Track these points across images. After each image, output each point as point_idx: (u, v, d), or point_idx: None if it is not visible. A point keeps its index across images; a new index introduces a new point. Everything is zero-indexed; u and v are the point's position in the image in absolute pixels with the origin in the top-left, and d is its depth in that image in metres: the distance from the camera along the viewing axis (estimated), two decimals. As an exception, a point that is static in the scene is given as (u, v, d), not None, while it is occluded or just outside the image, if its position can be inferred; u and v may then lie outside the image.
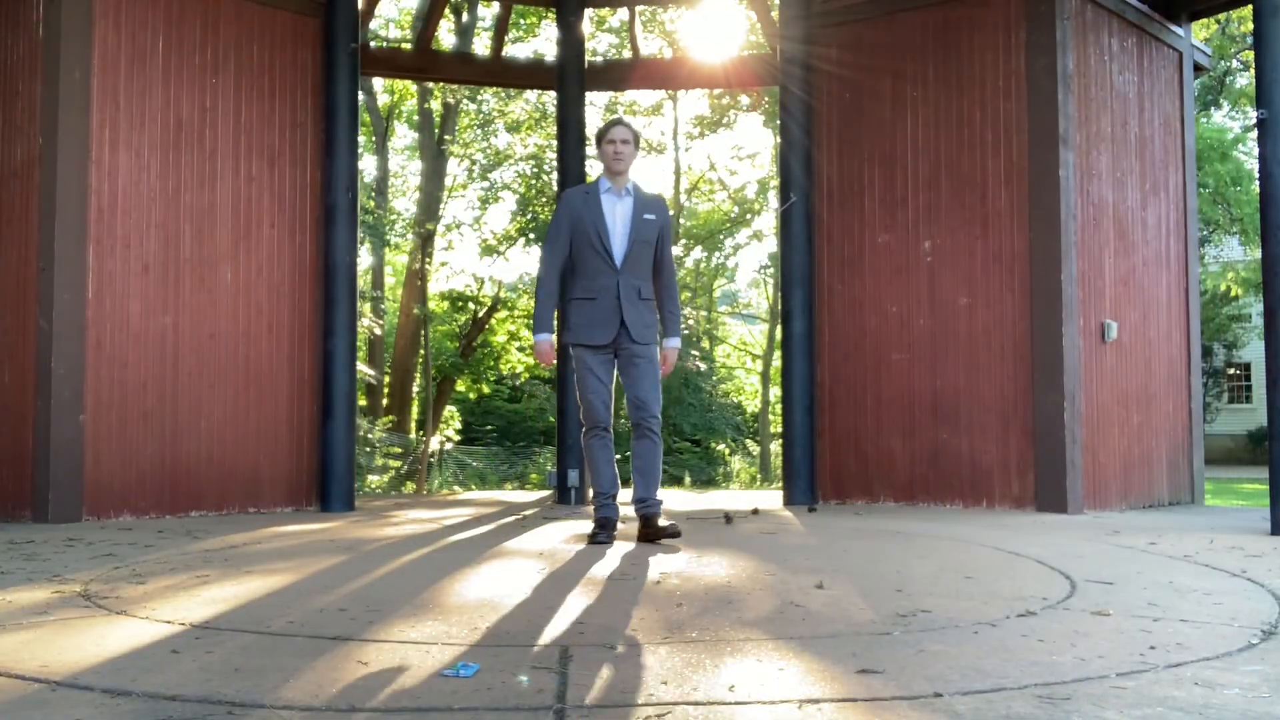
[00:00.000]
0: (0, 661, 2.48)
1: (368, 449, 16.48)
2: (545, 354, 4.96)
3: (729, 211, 26.03)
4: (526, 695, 2.16)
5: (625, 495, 5.28)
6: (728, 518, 6.35)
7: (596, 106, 22.30)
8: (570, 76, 9.09)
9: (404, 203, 24.27)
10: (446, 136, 20.17)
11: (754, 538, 5.23)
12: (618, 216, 4.91)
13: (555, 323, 5.11)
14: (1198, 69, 8.97)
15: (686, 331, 23.23)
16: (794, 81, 8.17)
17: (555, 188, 13.09)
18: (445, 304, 21.47)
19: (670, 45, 19.80)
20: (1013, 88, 7.24)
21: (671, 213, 25.59)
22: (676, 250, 24.67)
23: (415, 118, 21.99)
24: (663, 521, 4.97)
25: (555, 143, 10.07)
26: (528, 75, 10.67)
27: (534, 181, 20.65)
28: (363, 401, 18.69)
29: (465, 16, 19.00)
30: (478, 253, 21.34)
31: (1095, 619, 3.03)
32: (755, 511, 6.99)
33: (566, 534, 5.42)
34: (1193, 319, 8.59)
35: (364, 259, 20.00)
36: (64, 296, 6.41)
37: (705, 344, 25.70)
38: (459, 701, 2.11)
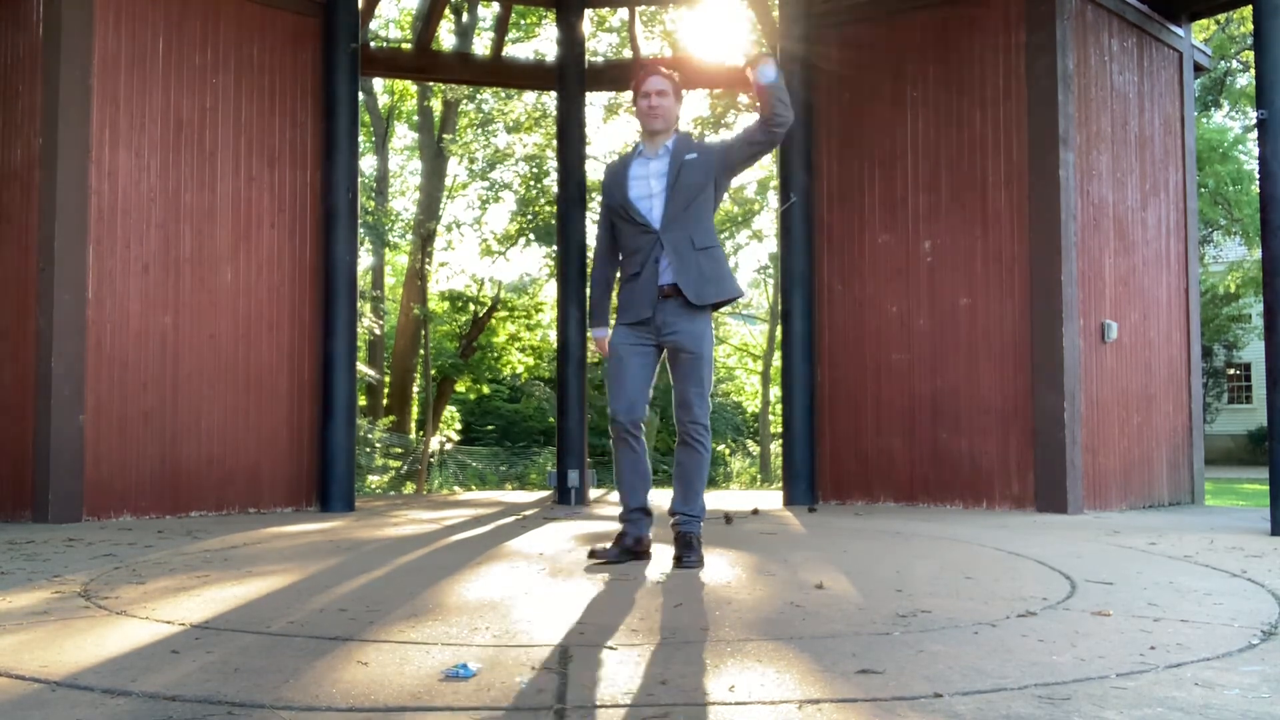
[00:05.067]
0: (0, 661, 2.48)
1: (368, 449, 16.48)
2: (600, 347, 4.38)
3: (729, 211, 26.03)
4: (526, 695, 2.16)
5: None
6: (728, 518, 6.35)
7: (596, 106, 22.33)
8: (570, 77, 9.08)
9: (404, 203, 24.29)
10: (446, 135, 20.18)
11: (754, 538, 5.23)
12: (651, 177, 4.20)
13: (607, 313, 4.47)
14: (1198, 69, 8.97)
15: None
16: (794, 81, 8.16)
17: (555, 188, 13.08)
18: (445, 304, 21.48)
19: (670, 45, 19.79)
20: (1013, 88, 7.24)
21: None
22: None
23: (415, 118, 22.00)
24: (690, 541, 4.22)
25: (555, 142, 10.06)
26: (528, 75, 10.66)
27: (534, 182, 20.65)
28: (363, 402, 18.69)
29: (465, 16, 19.02)
30: (478, 253, 21.35)
31: (1095, 619, 3.03)
32: (755, 512, 7.00)
33: (567, 534, 5.42)
34: (1193, 319, 8.59)
35: (364, 259, 20.02)
36: (64, 296, 6.40)
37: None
38: (459, 701, 2.11)
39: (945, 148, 7.53)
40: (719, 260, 4.18)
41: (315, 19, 7.72)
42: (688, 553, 4.07)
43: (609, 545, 4.25)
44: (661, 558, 4.31)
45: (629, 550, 4.20)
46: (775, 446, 22.15)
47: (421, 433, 19.25)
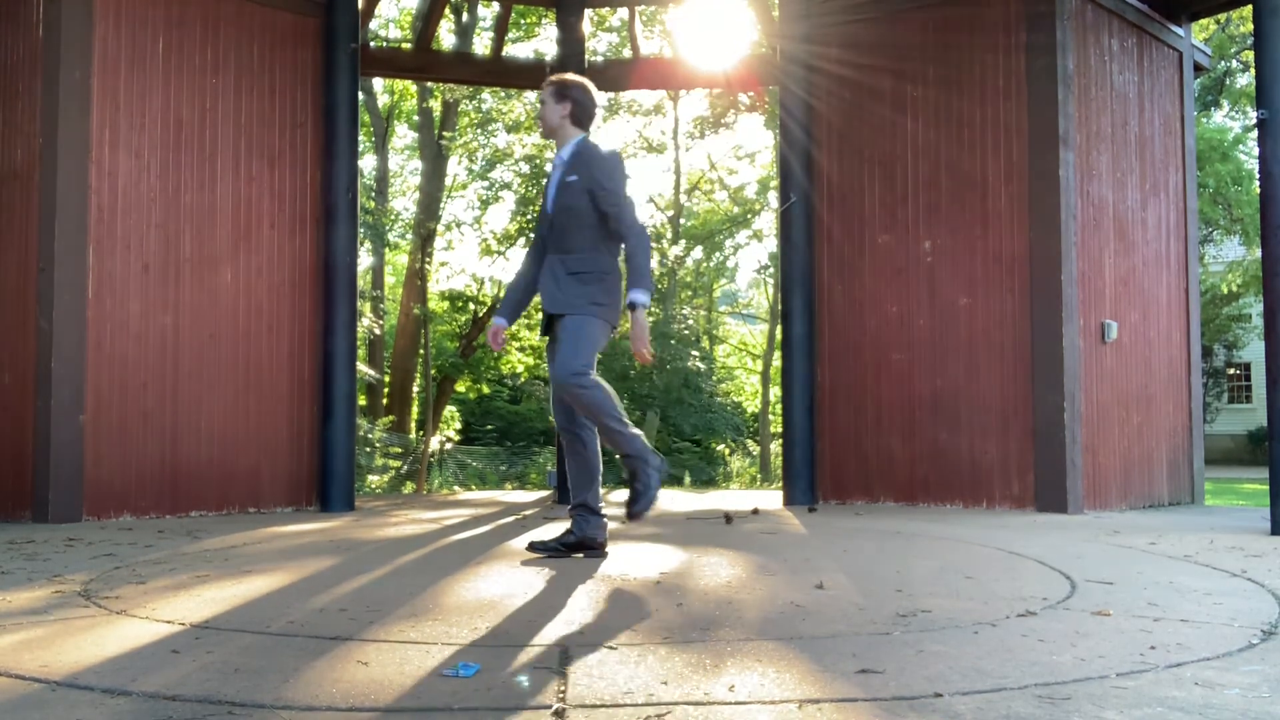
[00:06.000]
0: (0, 661, 2.48)
1: (368, 449, 16.48)
2: (490, 333, 4.50)
3: (729, 211, 26.03)
4: (526, 695, 2.16)
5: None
6: (728, 518, 6.36)
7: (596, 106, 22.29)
8: (570, 76, 9.08)
9: (404, 203, 24.30)
10: (446, 134, 20.18)
11: (754, 538, 5.23)
12: (552, 186, 4.36)
13: (511, 309, 4.53)
14: (1198, 69, 8.97)
15: (686, 331, 23.16)
16: (794, 81, 8.17)
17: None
18: (445, 304, 21.48)
19: (670, 45, 19.79)
20: (1013, 88, 7.23)
21: (672, 212, 25.69)
22: (677, 250, 24.63)
23: (415, 118, 22.01)
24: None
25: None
26: (528, 75, 10.66)
27: (533, 182, 20.67)
28: (363, 401, 18.69)
29: (465, 16, 19.02)
30: (478, 253, 21.37)
31: (1095, 619, 3.03)
32: (755, 511, 7.00)
33: (566, 534, 5.41)
34: (1193, 319, 8.59)
35: (364, 259, 20.03)
36: (64, 296, 6.40)
37: (705, 344, 25.71)
38: (459, 701, 2.11)
39: (945, 148, 7.52)
40: (587, 284, 4.16)
41: (315, 19, 7.72)
42: (633, 498, 4.14)
43: (550, 540, 4.41)
44: (662, 556, 4.31)
45: (567, 545, 4.32)
46: (775, 446, 22.16)
47: (421, 433, 19.25)
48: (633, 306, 4.08)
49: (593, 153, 4.29)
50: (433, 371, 19.75)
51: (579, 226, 4.21)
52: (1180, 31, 8.50)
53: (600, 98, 4.57)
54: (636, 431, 4.18)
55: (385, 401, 19.74)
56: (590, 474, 4.34)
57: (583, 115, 4.37)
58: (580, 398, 4.10)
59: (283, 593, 3.50)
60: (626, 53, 18.73)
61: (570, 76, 4.46)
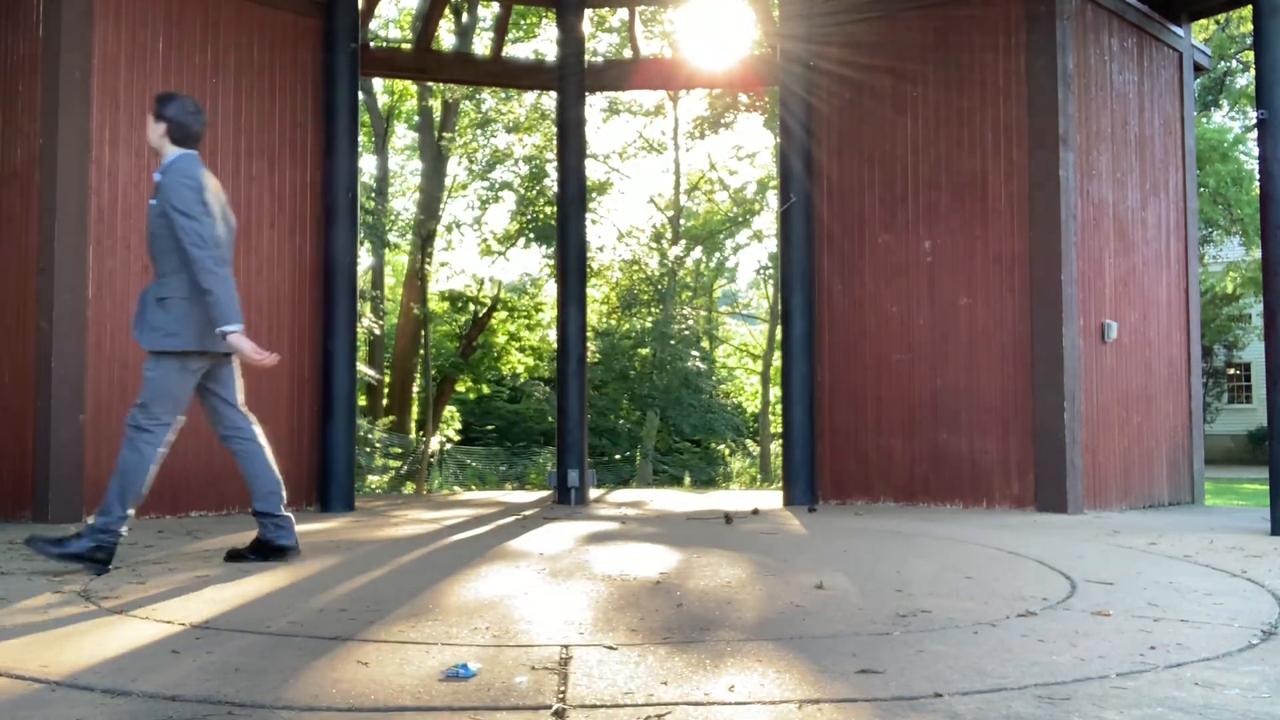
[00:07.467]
0: (0, 661, 2.48)
1: (368, 449, 16.47)
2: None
3: (729, 211, 26.04)
4: (526, 695, 2.17)
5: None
6: (728, 518, 6.36)
7: (596, 107, 22.34)
8: (570, 77, 9.08)
9: (404, 203, 24.29)
10: (446, 134, 20.17)
11: (754, 538, 5.23)
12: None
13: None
14: (1198, 69, 8.97)
15: (686, 331, 23.17)
16: (794, 81, 8.17)
17: (555, 188, 13.08)
18: (445, 304, 21.48)
19: (670, 45, 19.79)
20: (1013, 88, 7.24)
21: (672, 212, 25.68)
22: (677, 250, 24.63)
23: (415, 118, 22.01)
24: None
25: (555, 143, 10.07)
26: (528, 75, 10.66)
27: (533, 182, 20.68)
28: (363, 401, 18.69)
29: (465, 16, 19.02)
30: (478, 253, 21.38)
31: (1095, 619, 3.03)
32: (755, 511, 7.00)
33: (567, 535, 5.42)
34: (1193, 319, 8.59)
35: (364, 259, 20.03)
36: (64, 296, 6.40)
37: (705, 344, 25.70)
38: (459, 701, 2.11)
39: (945, 147, 7.52)
40: (167, 311, 4.06)
41: (315, 19, 7.71)
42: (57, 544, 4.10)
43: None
44: (662, 556, 4.31)
45: (258, 552, 4.40)
46: (775, 446, 22.15)
47: (421, 433, 19.25)
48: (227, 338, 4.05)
49: (167, 173, 4.10)
50: (433, 371, 19.75)
51: (163, 251, 4.07)
52: (1180, 31, 8.51)
53: (201, 116, 4.21)
54: (121, 530, 4.14)
55: (385, 401, 19.74)
56: (258, 474, 4.34)
57: (181, 133, 4.16)
58: (123, 442, 4.11)
59: (283, 593, 3.51)
60: (627, 53, 18.73)
61: (170, 94, 4.27)
